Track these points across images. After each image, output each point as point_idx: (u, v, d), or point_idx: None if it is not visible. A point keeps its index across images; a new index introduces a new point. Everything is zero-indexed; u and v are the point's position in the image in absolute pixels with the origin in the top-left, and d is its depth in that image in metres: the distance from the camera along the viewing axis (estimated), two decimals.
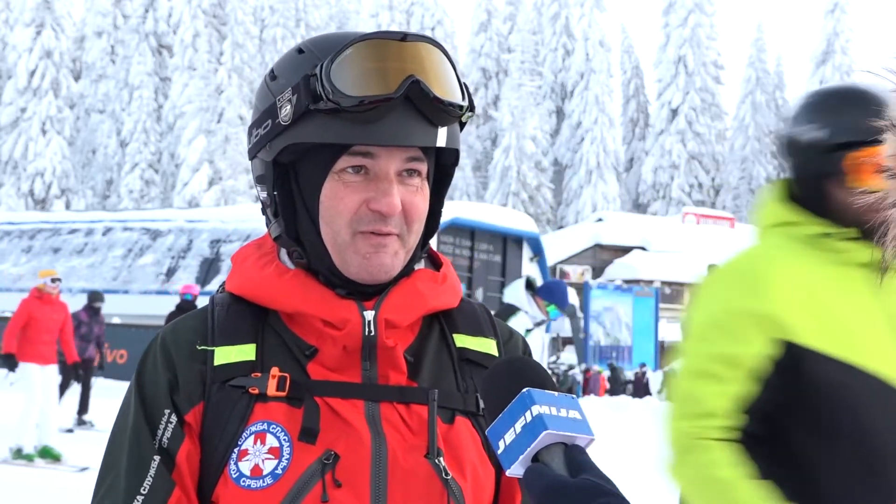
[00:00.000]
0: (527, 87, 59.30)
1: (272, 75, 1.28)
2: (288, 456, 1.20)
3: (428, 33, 64.35)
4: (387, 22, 64.67)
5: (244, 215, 27.20)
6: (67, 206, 52.37)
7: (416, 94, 1.20)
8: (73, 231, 29.68)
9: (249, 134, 1.31)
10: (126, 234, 28.59)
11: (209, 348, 1.26)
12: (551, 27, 67.17)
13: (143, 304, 25.31)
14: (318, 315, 1.26)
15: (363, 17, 64.88)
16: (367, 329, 1.25)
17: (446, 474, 1.24)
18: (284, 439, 1.21)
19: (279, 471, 1.20)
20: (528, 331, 7.05)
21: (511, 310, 7.12)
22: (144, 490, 1.21)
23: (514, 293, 7.22)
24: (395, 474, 1.22)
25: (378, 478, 1.21)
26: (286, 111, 1.23)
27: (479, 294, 28.99)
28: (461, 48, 67.76)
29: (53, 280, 10.99)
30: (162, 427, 1.23)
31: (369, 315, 1.26)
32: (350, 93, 1.19)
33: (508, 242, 30.38)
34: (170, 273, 26.36)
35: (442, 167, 1.33)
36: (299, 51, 1.28)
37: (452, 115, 1.24)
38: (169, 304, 24.81)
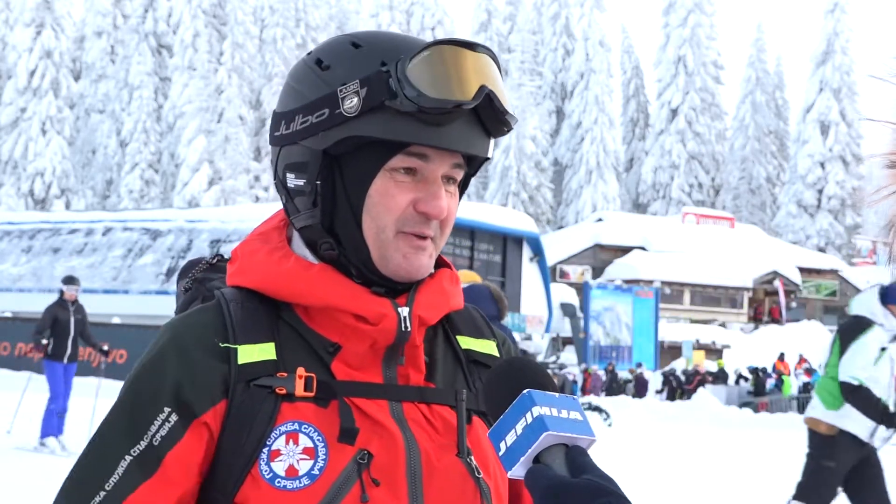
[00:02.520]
0: (527, 87, 59.31)
1: (322, 65, 1.26)
2: (324, 456, 1.20)
3: (428, 33, 64.05)
4: (387, 22, 64.66)
5: (244, 215, 27.21)
6: (67, 206, 52.38)
7: (485, 105, 1.23)
8: (73, 231, 29.70)
9: (286, 119, 1.28)
10: (126, 234, 28.60)
11: (232, 346, 1.24)
12: (551, 27, 67.19)
13: (143, 304, 25.32)
14: (351, 310, 1.25)
15: (363, 17, 64.87)
16: (402, 325, 1.25)
17: (478, 473, 1.25)
18: (319, 439, 1.20)
19: (316, 471, 1.19)
20: (883, 349, 6.09)
21: (864, 324, 6.19)
22: (108, 486, 1.19)
23: (867, 304, 6.26)
24: (430, 473, 1.23)
25: (414, 477, 1.22)
26: (352, 103, 1.21)
27: None
28: None
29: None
30: (156, 425, 1.21)
31: (404, 311, 1.26)
32: (429, 94, 1.19)
33: (508, 242, 30.39)
34: (170, 273, 26.36)
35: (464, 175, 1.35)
36: (354, 44, 1.26)
37: (507, 128, 1.27)
38: (169, 304, 24.86)
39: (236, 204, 44.74)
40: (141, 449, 1.21)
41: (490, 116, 1.24)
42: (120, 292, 26.85)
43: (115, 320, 25.19)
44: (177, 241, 27.40)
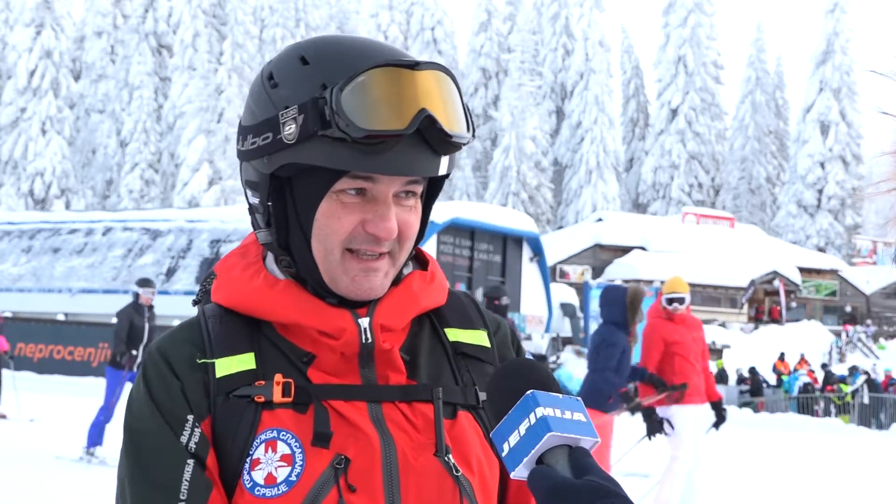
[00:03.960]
0: (527, 87, 59.28)
1: (272, 81, 1.25)
2: (301, 462, 1.20)
3: (427, 33, 63.63)
4: (386, 22, 64.65)
5: (244, 215, 27.17)
6: (67, 206, 52.36)
7: (427, 127, 1.19)
8: (73, 231, 29.68)
9: (243, 135, 1.28)
10: (126, 234, 28.59)
11: (209, 360, 1.25)
12: (551, 27, 67.16)
13: None
14: (313, 326, 1.26)
15: (363, 18, 64.84)
16: (363, 336, 1.25)
17: (457, 471, 1.25)
18: (296, 446, 1.21)
19: (293, 478, 1.19)
20: None
21: None
22: (183, 495, 1.19)
23: None
24: (407, 474, 1.23)
25: (391, 479, 1.22)
26: (290, 130, 1.20)
27: (478, 294, 28.98)
28: (461, 48, 67.78)
29: (671, 300, 8.01)
30: (187, 433, 1.22)
31: (364, 322, 1.26)
32: (362, 125, 1.17)
33: (508, 242, 30.37)
34: (170, 273, 26.36)
35: (432, 180, 1.33)
36: (303, 60, 1.24)
37: (457, 146, 1.24)
38: (169, 304, 24.84)
39: (236, 204, 44.71)
40: (191, 453, 1.21)
41: (435, 137, 1.20)
42: (120, 292, 26.81)
43: (115, 320, 25.16)
44: (177, 241, 27.39)
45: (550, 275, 36.14)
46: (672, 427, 7.73)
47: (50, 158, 54.09)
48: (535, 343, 29.41)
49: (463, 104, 1.26)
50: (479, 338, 1.37)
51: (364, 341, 1.25)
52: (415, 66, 1.21)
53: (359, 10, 65.28)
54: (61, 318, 25.84)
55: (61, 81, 55.58)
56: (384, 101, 1.18)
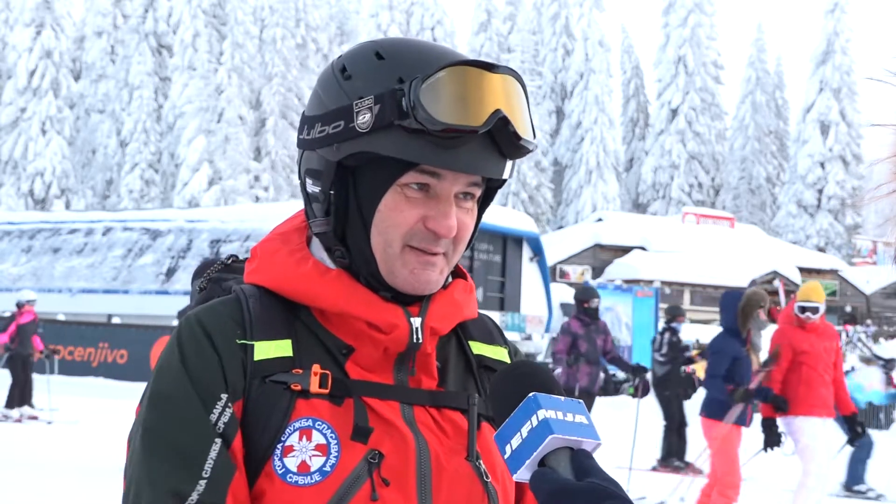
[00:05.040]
0: (527, 87, 59.29)
1: (345, 73, 1.28)
2: (336, 453, 1.20)
3: (428, 33, 63.38)
4: (387, 22, 64.62)
5: (244, 215, 27.18)
6: (67, 206, 52.35)
7: (499, 128, 1.23)
8: (73, 231, 29.66)
9: (309, 124, 1.30)
10: (126, 234, 28.57)
11: (248, 342, 1.25)
12: (551, 27, 67.16)
13: (143, 304, 25.31)
14: (364, 317, 1.26)
15: (363, 17, 64.82)
16: (413, 336, 1.27)
17: (487, 477, 1.27)
18: (332, 437, 1.21)
19: (328, 468, 1.20)
20: None
21: None
22: (206, 473, 1.17)
23: None
24: (440, 475, 1.24)
25: (423, 478, 1.23)
26: (365, 119, 1.23)
27: (479, 294, 29.00)
28: (461, 48, 67.71)
29: (804, 309, 7.58)
30: (217, 411, 1.20)
31: (416, 322, 1.28)
32: (439, 118, 1.19)
33: (508, 242, 30.36)
34: (170, 273, 26.34)
35: (487, 188, 1.35)
36: (378, 55, 1.27)
37: (524, 151, 1.27)
38: (169, 304, 24.84)
39: (236, 204, 44.71)
40: (219, 433, 1.20)
41: (505, 140, 1.24)
42: (120, 292, 26.83)
43: (115, 320, 25.17)
44: (177, 241, 27.37)
45: (550, 275, 36.15)
46: (782, 442, 7.58)
47: (50, 158, 54.08)
48: (536, 343, 29.42)
49: (529, 112, 1.29)
50: (500, 354, 1.41)
51: (413, 341, 1.27)
52: (491, 68, 1.25)
53: (359, 10, 65.26)
54: (61, 318, 25.82)
55: (61, 81, 55.58)
56: (461, 98, 1.21)
